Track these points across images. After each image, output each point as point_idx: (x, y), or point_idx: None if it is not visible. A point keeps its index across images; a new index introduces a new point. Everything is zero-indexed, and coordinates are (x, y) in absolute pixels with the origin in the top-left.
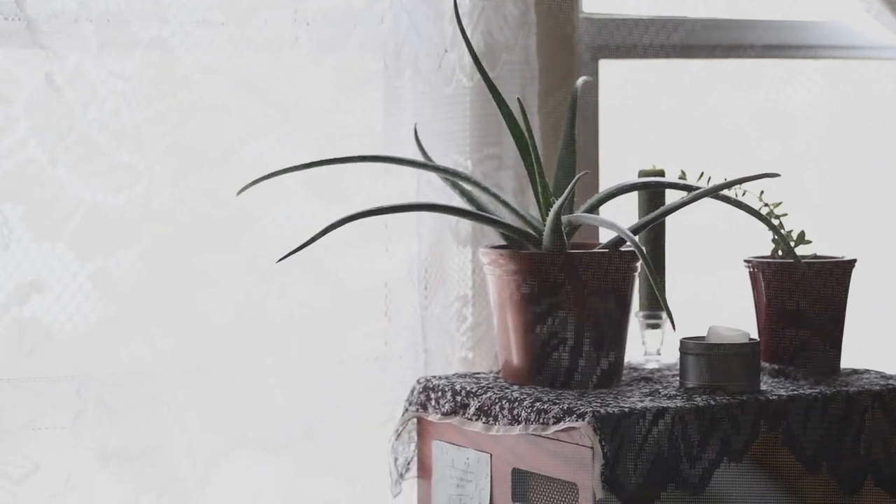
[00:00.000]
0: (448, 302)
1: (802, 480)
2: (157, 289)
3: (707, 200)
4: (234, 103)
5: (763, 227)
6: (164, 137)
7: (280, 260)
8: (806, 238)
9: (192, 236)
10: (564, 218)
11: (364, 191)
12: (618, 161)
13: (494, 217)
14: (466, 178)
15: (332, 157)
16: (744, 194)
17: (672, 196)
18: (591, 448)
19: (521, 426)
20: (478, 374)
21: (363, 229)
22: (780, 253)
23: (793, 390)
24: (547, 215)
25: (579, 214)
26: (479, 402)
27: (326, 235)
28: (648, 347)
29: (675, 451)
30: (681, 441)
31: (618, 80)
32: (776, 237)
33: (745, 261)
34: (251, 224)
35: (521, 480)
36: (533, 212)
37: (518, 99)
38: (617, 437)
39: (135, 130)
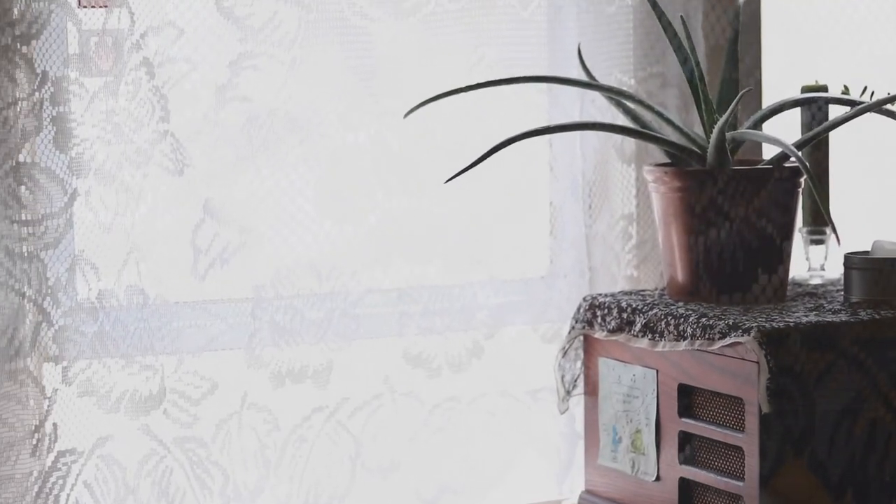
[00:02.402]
0: (613, 220)
1: None
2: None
3: (870, 115)
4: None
5: None
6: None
7: (448, 180)
8: None
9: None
10: (728, 135)
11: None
12: (780, 76)
13: (659, 135)
14: (630, 97)
15: (499, 78)
16: None
17: (835, 112)
18: (757, 363)
19: (686, 342)
20: (643, 291)
21: (529, 150)
22: None
23: None
24: (711, 132)
25: (743, 131)
26: (644, 318)
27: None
28: (812, 263)
29: None
30: None
31: None
32: None
33: None
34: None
35: (688, 396)
36: (697, 129)
37: (681, 16)
38: (783, 352)
39: None
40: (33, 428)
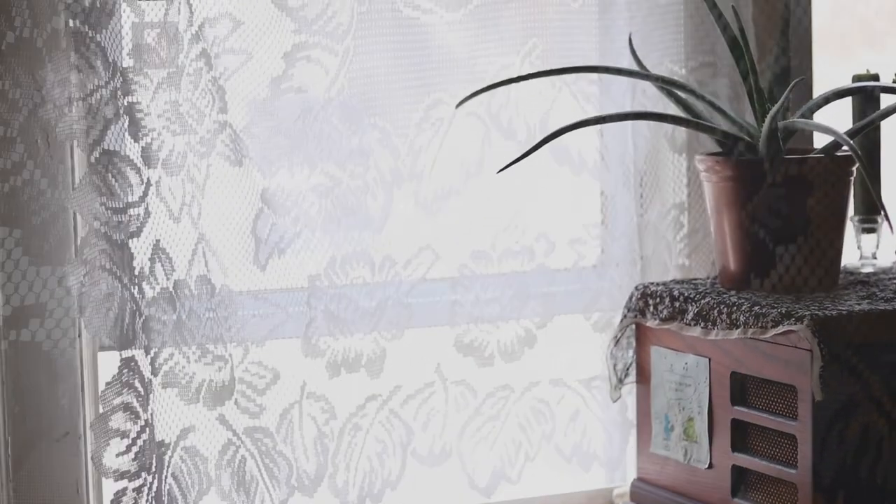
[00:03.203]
0: (664, 209)
1: None
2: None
3: None
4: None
5: None
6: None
7: (500, 171)
8: None
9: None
10: (780, 124)
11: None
12: (831, 66)
13: (710, 124)
14: (682, 87)
15: (550, 68)
16: None
17: (887, 101)
18: (810, 351)
19: (739, 330)
20: (695, 280)
21: (580, 140)
22: None
23: None
24: (762, 122)
25: (795, 120)
26: (697, 307)
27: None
28: (864, 251)
29: None
30: None
31: None
32: None
33: None
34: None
35: (740, 384)
36: (748, 118)
37: (732, 6)
38: (836, 340)
39: None
40: (143, 424)
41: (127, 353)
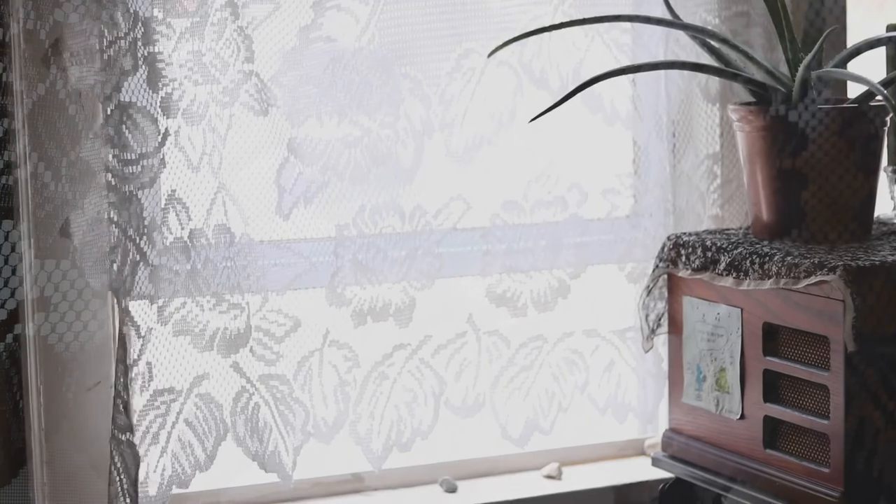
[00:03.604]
0: (697, 160)
1: None
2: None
3: None
4: None
5: None
6: None
7: (533, 119)
8: None
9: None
10: (814, 73)
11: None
12: (865, 16)
13: (744, 74)
14: (715, 36)
15: (583, 17)
16: None
17: None
18: (843, 301)
19: (771, 280)
20: (727, 230)
21: (613, 90)
22: None
23: None
24: (796, 71)
25: (829, 69)
26: (729, 257)
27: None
28: None
29: None
30: None
31: None
32: None
33: None
34: None
35: (772, 334)
36: (782, 68)
37: None
38: (868, 290)
39: None
40: (128, 366)
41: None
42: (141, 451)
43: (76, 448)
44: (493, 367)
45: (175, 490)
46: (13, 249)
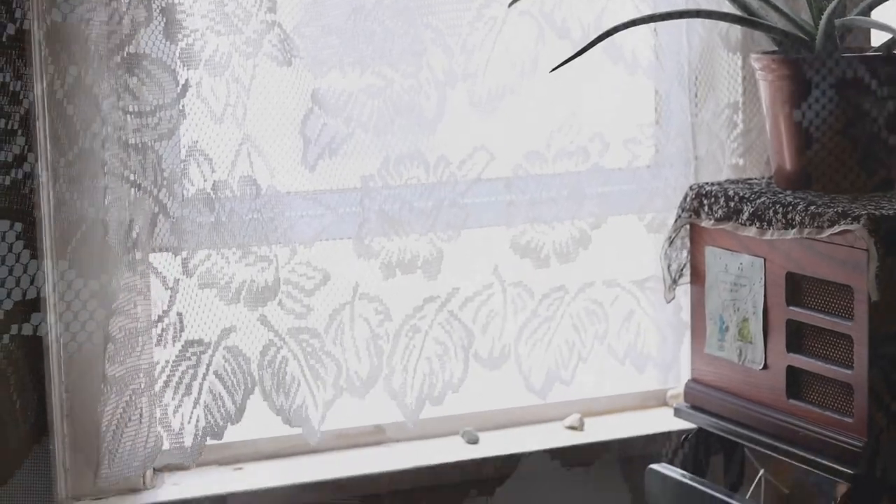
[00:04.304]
0: (718, 109)
1: None
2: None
3: None
4: None
5: None
6: None
7: (554, 69)
8: None
9: None
10: (837, 21)
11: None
12: None
13: (766, 22)
14: None
15: None
16: None
17: None
18: (867, 250)
19: (795, 230)
20: (750, 179)
21: (634, 39)
22: None
23: None
24: (818, 19)
25: (852, 17)
26: (752, 207)
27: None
28: None
29: None
30: None
31: None
32: None
33: None
34: None
35: (796, 284)
36: (804, 16)
37: None
38: (892, 239)
39: None
40: (157, 318)
41: (132, 257)
42: (174, 402)
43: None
44: (518, 318)
45: (209, 441)
46: None
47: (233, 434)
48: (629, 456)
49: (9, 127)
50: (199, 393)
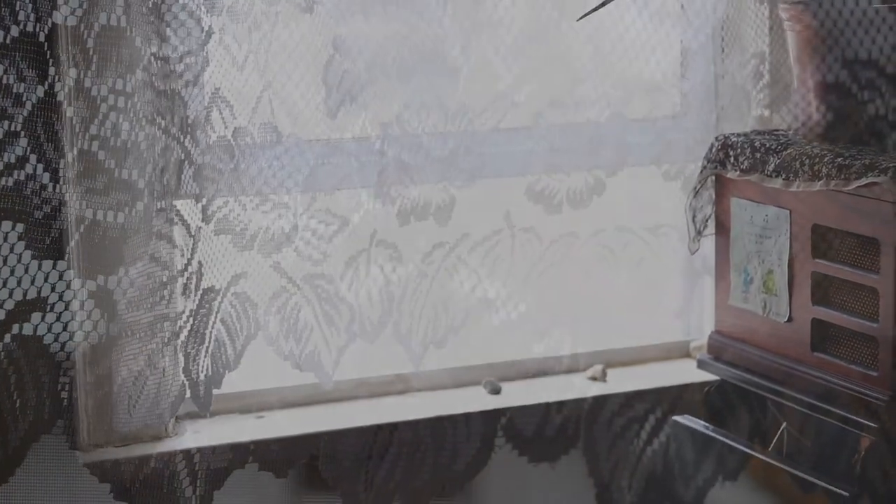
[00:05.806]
0: (744, 59)
1: None
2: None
3: None
4: None
5: None
6: None
7: (580, 18)
8: None
9: None
10: None
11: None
12: None
13: None
14: None
15: None
16: None
17: None
18: (894, 203)
19: (821, 182)
20: (776, 131)
21: None
22: None
23: None
24: None
25: None
26: (778, 158)
27: None
28: None
29: None
30: None
31: None
32: None
33: None
34: None
35: (821, 236)
36: None
37: None
38: None
39: None
40: (183, 266)
41: (161, 204)
42: (192, 351)
43: None
44: (526, 263)
45: (230, 390)
46: None
47: (256, 382)
48: (652, 407)
49: (11, 128)
50: (209, 342)
